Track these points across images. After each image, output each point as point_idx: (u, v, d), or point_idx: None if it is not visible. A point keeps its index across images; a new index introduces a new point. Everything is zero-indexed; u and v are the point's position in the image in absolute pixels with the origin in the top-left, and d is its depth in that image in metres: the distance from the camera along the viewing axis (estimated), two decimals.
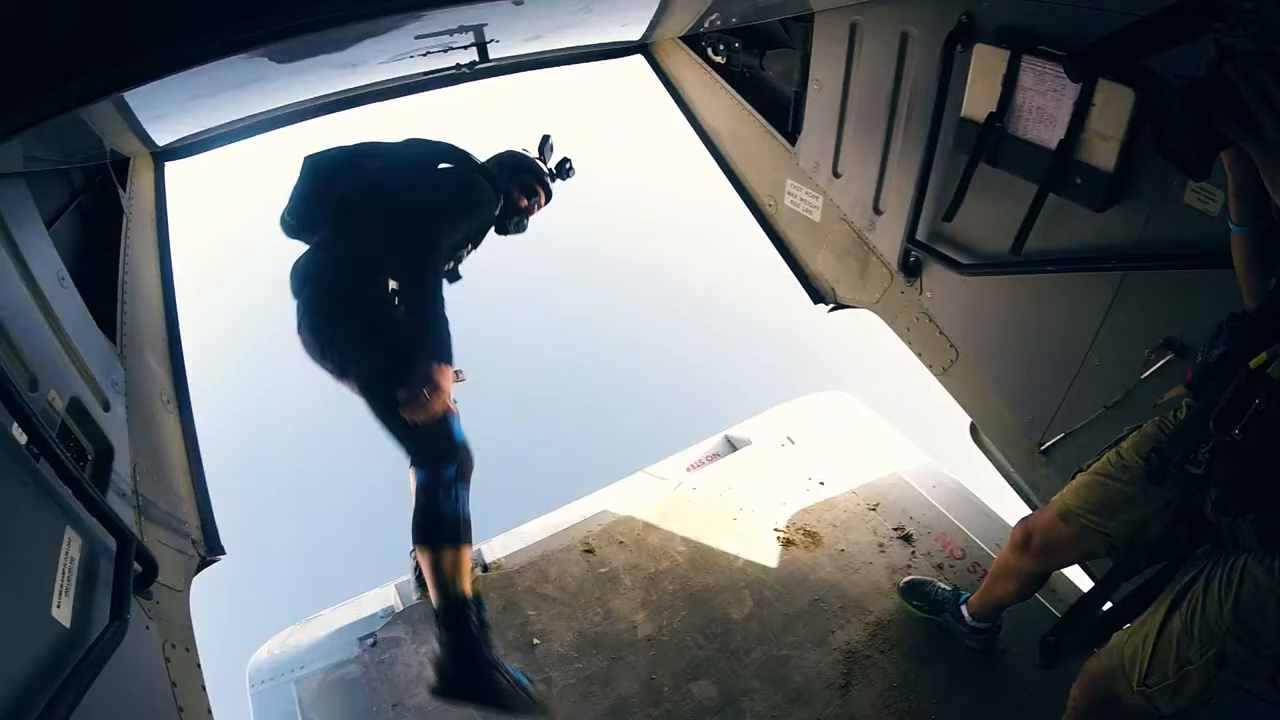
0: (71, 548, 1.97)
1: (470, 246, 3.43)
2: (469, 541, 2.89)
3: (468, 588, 2.81)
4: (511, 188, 3.53)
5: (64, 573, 1.88)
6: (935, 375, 3.73)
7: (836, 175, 3.96)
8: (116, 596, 2.02)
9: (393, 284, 3.03)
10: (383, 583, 4.38)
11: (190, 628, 2.72)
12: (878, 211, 3.78)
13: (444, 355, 2.79)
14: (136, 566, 2.27)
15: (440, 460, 2.87)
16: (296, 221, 3.25)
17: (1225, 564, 1.83)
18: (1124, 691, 2.09)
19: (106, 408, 2.65)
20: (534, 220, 3.71)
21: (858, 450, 4.75)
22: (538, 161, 3.62)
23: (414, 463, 2.93)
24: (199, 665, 2.65)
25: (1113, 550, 2.35)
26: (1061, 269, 2.88)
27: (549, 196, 3.69)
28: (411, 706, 3.55)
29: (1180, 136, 1.54)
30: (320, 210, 3.16)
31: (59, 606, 1.80)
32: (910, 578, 3.77)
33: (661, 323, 51.34)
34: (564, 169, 3.66)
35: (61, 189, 3.17)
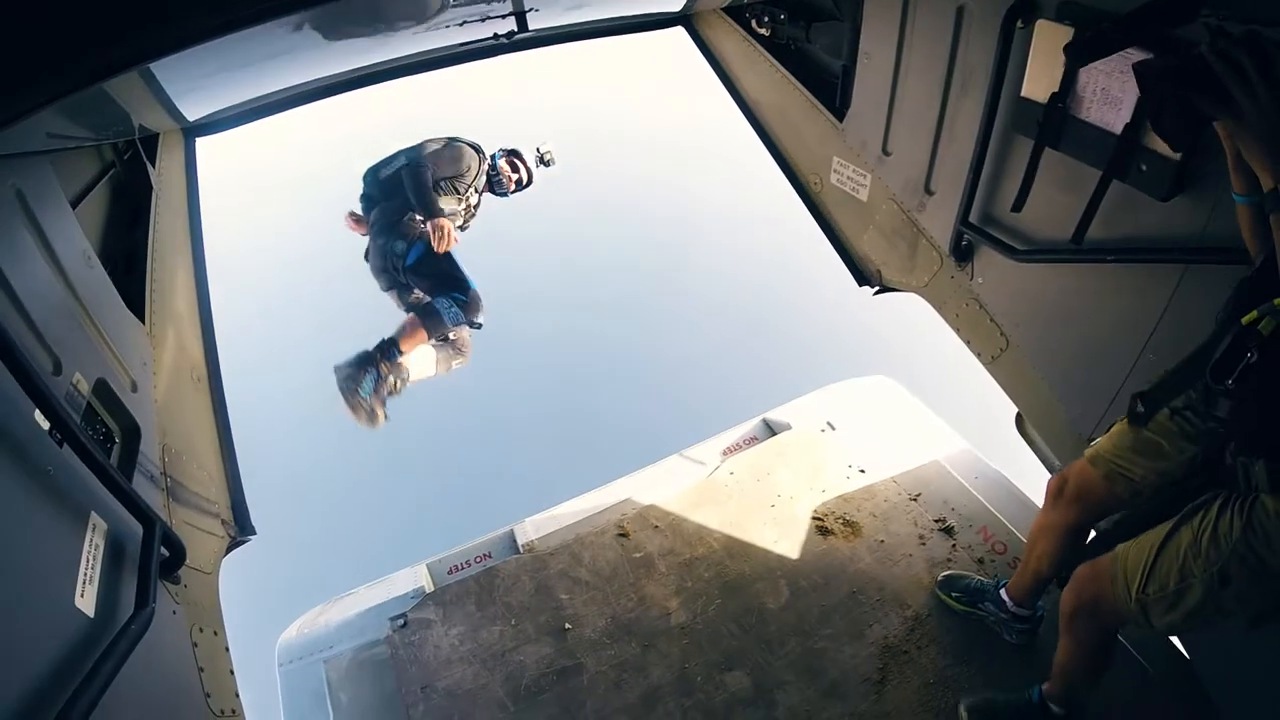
0: (96, 534, 1.92)
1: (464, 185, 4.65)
2: (435, 337, 4.40)
3: (403, 348, 4.27)
4: (499, 159, 4.80)
5: (88, 560, 1.84)
6: (983, 364, 3.55)
7: (886, 153, 3.78)
8: (142, 584, 1.97)
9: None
10: (413, 562, 4.37)
11: (219, 611, 2.70)
12: (929, 192, 3.59)
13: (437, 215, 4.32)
14: (163, 551, 2.23)
15: (454, 288, 4.27)
16: (370, 190, 4.67)
17: (1240, 497, 1.90)
18: (1119, 597, 2.15)
19: (134, 389, 2.60)
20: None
21: (899, 437, 4.60)
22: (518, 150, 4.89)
23: (435, 295, 4.30)
24: (227, 649, 2.63)
25: (1137, 496, 2.38)
26: (1122, 259, 2.68)
27: (530, 175, 4.86)
28: (441, 689, 3.53)
29: (1167, 113, 1.69)
30: (378, 184, 4.61)
31: (83, 596, 1.76)
32: (948, 572, 3.69)
33: (699, 302, 50.77)
34: (545, 159, 4.90)
35: (88, 167, 3.11)
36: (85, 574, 1.80)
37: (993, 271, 3.38)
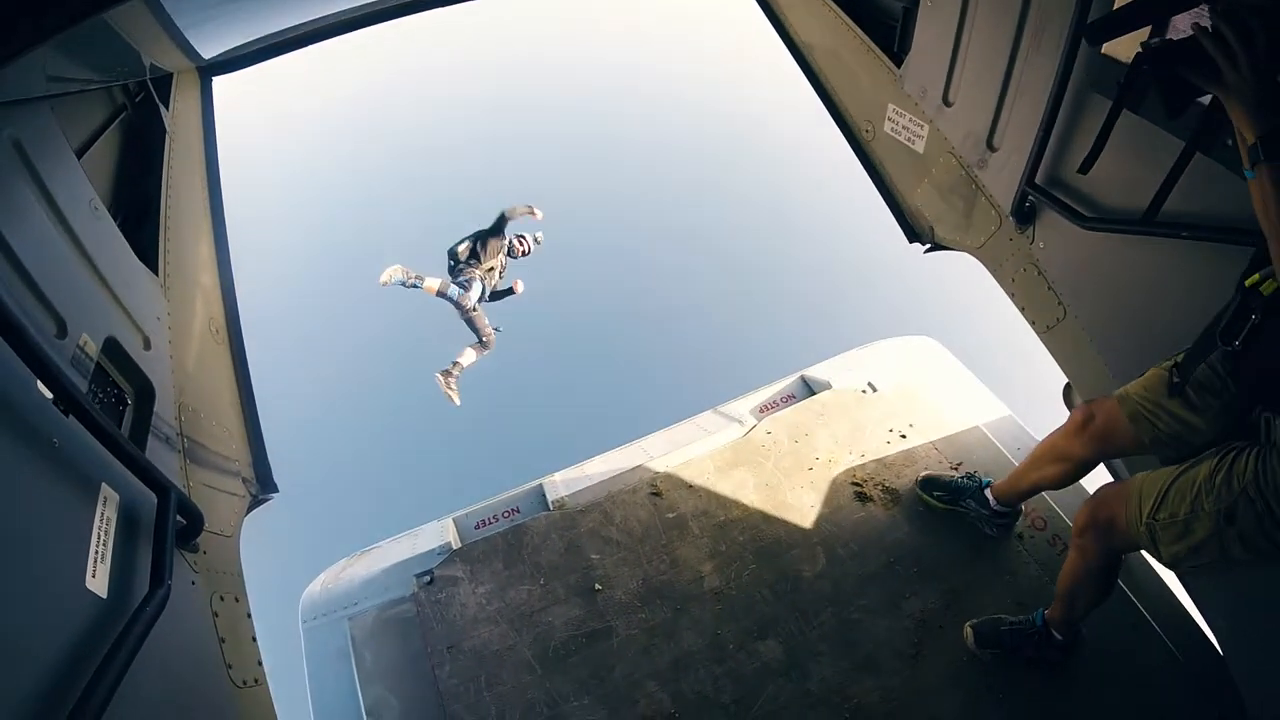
0: (108, 507, 1.82)
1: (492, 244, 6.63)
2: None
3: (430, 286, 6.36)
4: (514, 239, 6.76)
5: (99, 538, 1.74)
6: (1036, 331, 3.34)
7: (947, 103, 3.47)
8: (157, 560, 1.87)
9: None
10: (439, 515, 4.31)
11: (240, 576, 2.62)
12: (991, 148, 3.30)
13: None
14: (180, 520, 2.13)
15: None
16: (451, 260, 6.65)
17: (1259, 448, 1.99)
18: (1131, 519, 2.27)
19: (147, 345, 2.48)
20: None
21: (941, 401, 4.38)
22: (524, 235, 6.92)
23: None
24: (249, 615, 2.56)
25: (1156, 443, 2.40)
26: (1197, 237, 2.44)
27: (529, 249, 6.87)
28: (467, 649, 3.49)
29: (1161, 86, 1.77)
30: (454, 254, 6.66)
31: (94, 576, 1.66)
32: (927, 472, 3.79)
33: (735, 252, 49.29)
34: (538, 240, 6.94)
35: (96, 112, 2.94)
36: (96, 551, 1.70)
37: (1056, 237, 3.13)
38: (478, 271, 6.48)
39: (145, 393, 2.39)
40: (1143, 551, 2.42)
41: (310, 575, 4.08)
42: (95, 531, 1.74)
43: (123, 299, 2.38)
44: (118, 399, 2.28)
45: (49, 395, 1.68)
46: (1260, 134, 1.59)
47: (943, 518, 3.71)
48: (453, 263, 6.53)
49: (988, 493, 3.51)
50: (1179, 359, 2.31)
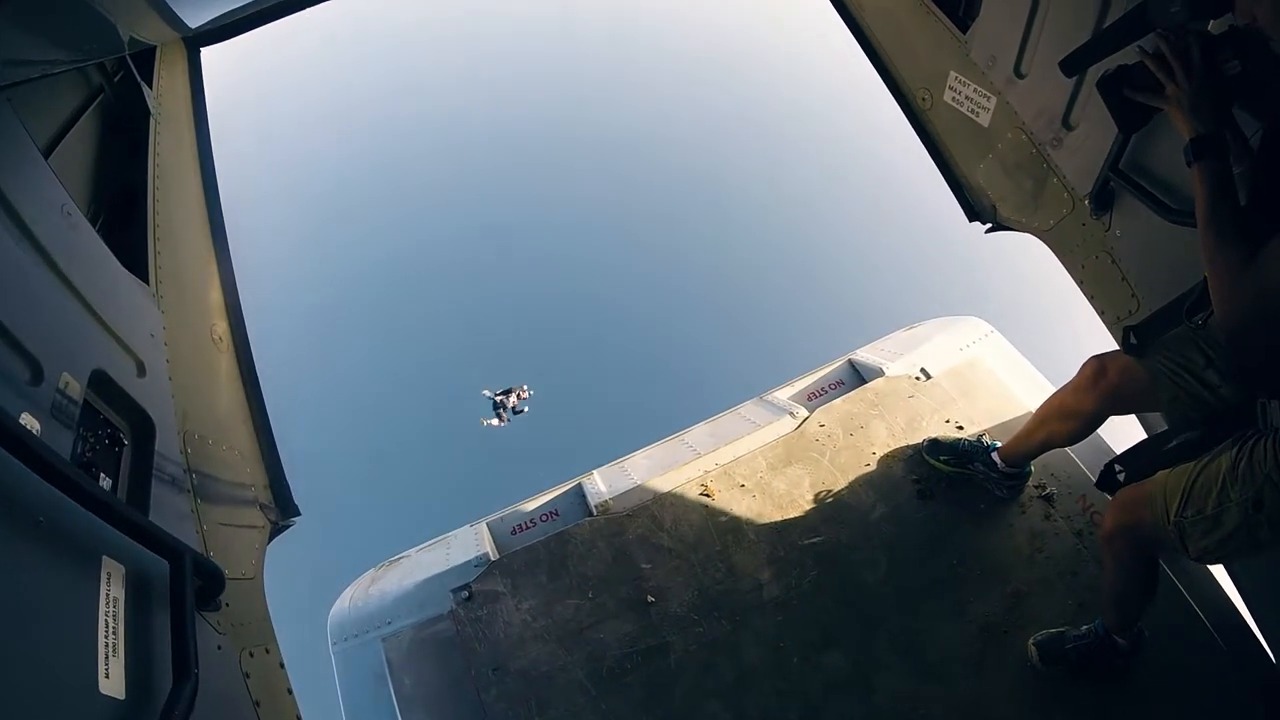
0: (113, 585, 1.53)
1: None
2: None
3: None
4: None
5: (107, 626, 1.47)
6: (1106, 323, 3.10)
7: (1019, 75, 3.11)
8: (180, 648, 1.58)
9: None
10: (471, 517, 4.04)
11: (267, 621, 2.37)
12: (1068, 126, 2.98)
13: None
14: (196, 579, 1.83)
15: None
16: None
17: (1274, 432, 2.00)
18: (1158, 520, 2.25)
19: (142, 371, 2.16)
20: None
21: (996, 390, 4.07)
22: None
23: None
24: (282, 665, 2.30)
25: (1175, 402, 2.42)
26: None
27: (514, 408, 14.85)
28: (514, 671, 3.24)
29: (1117, 107, 2.14)
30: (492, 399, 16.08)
31: (108, 677, 1.40)
32: (934, 435, 3.73)
33: (774, 224, 46.98)
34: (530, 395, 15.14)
35: (64, 98, 2.58)
36: (106, 644, 1.44)
37: (1136, 226, 2.84)
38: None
39: (144, 427, 2.08)
40: None
41: (329, 582, 3.82)
42: (101, 619, 1.46)
43: (109, 321, 2.05)
44: (111, 438, 1.96)
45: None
46: (1191, 137, 1.86)
47: (1003, 513, 3.50)
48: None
49: (995, 455, 3.47)
50: (1194, 318, 2.37)
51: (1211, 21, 1.99)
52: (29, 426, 1.50)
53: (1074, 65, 2.45)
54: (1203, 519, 2.12)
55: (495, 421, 13.65)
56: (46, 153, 2.15)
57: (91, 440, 1.85)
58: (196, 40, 3.67)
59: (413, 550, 3.95)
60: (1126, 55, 2.15)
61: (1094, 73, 2.64)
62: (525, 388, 14.50)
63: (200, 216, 3.22)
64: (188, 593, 1.68)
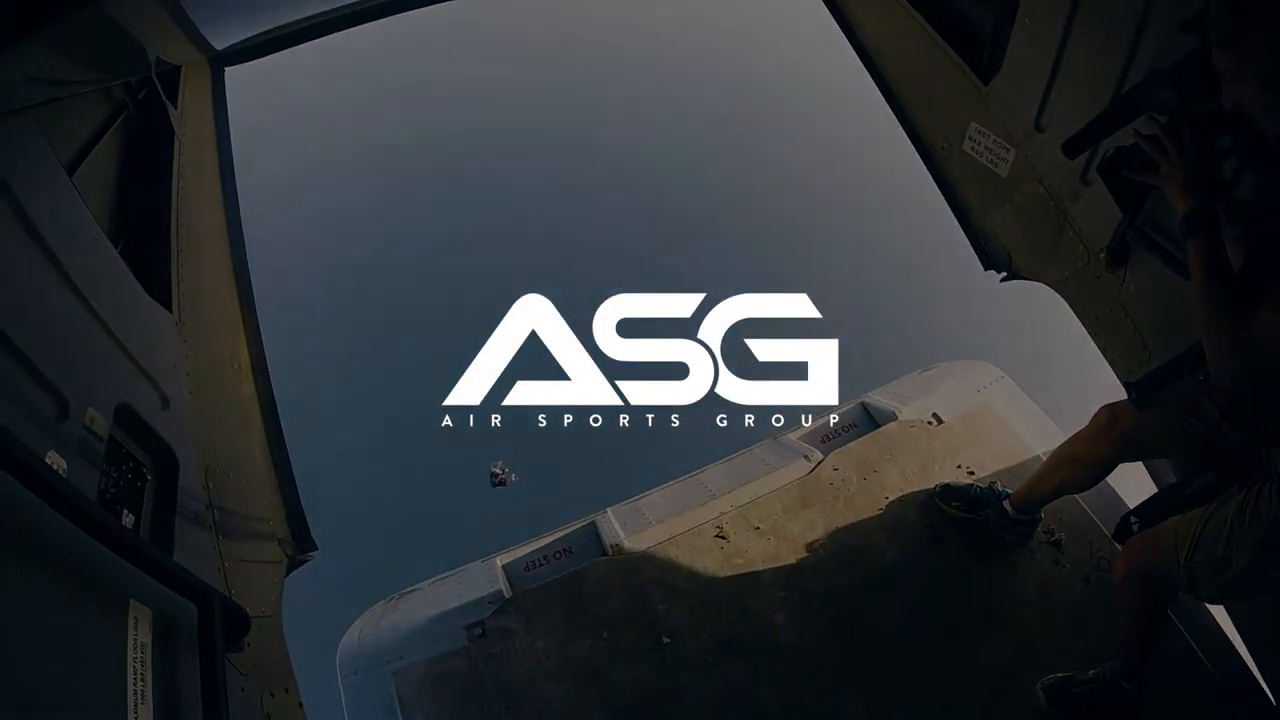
0: (140, 630, 1.48)
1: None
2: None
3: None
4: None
5: (135, 673, 1.41)
6: (1118, 374, 3.10)
7: (1039, 129, 3.12)
8: (209, 699, 1.52)
9: None
10: (481, 548, 3.99)
11: (286, 659, 2.31)
12: (1085, 182, 2.99)
13: None
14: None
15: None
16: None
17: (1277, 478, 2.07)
18: (1169, 565, 2.31)
19: (165, 404, 2.10)
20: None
21: (1007, 435, 4.09)
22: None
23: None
24: (300, 704, 2.24)
25: (1189, 445, 2.51)
26: None
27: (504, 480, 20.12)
28: (527, 710, 3.18)
29: (1116, 189, 2.44)
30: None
31: None
32: (944, 482, 3.73)
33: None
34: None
35: (88, 116, 2.52)
36: (135, 691, 1.39)
37: (1149, 281, 2.84)
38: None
39: (167, 463, 2.01)
40: None
41: (337, 613, 3.74)
42: (130, 665, 1.41)
43: (134, 352, 1.99)
44: (135, 473, 1.90)
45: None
46: (1183, 213, 1.90)
47: (1013, 558, 3.51)
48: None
49: (1006, 503, 3.48)
50: (1195, 374, 2.42)
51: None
52: (55, 466, 1.45)
53: (1076, 148, 2.52)
54: (1212, 562, 2.18)
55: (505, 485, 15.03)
56: (70, 171, 2.10)
57: (115, 477, 1.80)
58: (220, 60, 3.65)
59: (424, 584, 3.87)
60: (1125, 136, 2.20)
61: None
62: (500, 464, 17.40)
63: (222, 237, 3.18)
64: (217, 638, 1.62)
